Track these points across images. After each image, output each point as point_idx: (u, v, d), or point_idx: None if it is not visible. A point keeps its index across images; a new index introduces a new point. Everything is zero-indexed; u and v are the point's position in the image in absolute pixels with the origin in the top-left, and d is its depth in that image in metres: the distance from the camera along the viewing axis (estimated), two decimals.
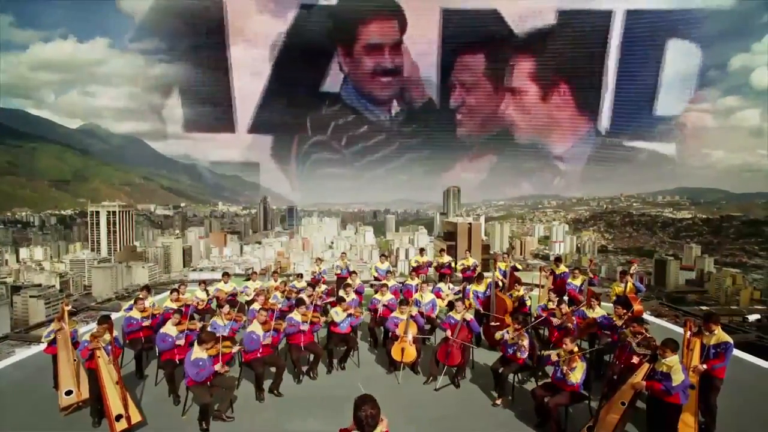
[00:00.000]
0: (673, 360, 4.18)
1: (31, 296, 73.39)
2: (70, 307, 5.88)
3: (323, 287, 8.35)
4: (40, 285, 78.53)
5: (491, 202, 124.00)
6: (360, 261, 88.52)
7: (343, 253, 11.01)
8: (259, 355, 5.59)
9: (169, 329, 5.59)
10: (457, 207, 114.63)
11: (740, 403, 5.33)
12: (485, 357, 6.59)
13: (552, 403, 4.65)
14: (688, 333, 4.94)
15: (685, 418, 4.49)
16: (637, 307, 6.77)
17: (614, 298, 7.45)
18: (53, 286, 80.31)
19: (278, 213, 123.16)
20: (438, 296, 7.72)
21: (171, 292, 7.15)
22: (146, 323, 6.24)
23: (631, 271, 7.28)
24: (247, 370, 5.80)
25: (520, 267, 9.67)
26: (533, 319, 7.12)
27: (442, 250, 11.14)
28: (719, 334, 4.76)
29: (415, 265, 9.77)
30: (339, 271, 9.78)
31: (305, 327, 6.06)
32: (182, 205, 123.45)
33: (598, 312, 6.37)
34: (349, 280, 8.31)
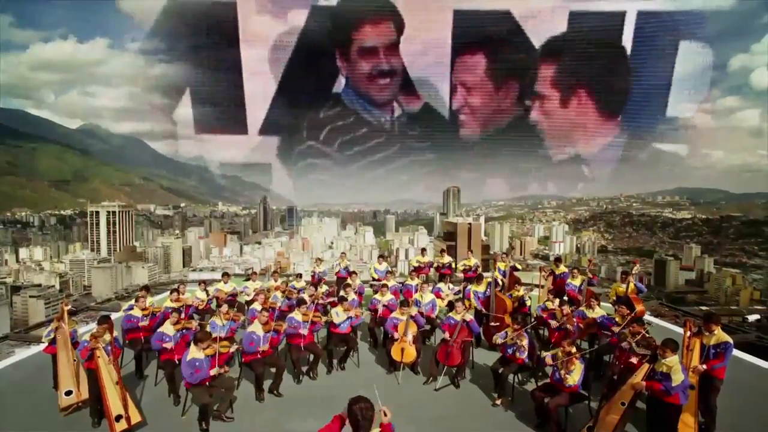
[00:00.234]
0: (672, 360, 4.18)
1: (30, 296, 73.36)
2: (69, 307, 5.88)
3: (325, 288, 8.34)
4: (39, 285, 78.53)
5: (491, 202, 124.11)
6: (360, 261, 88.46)
7: (342, 253, 11.00)
8: (258, 356, 5.59)
9: (167, 329, 5.59)
10: (457, 207, 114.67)
11: (740, 403, 5.32)
12: (485, 357, 6.59)
13: (552, 404, 4.65)
14: (688, 333, 4.94)
15: (684, 419, 4.49)
16: (639, 307, 6.77)
17: (614, 298, 7.46)
18: (53, 286, 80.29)
19: (278, 213, 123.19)
20: (438, 296, 7.71)
21: (171, 293, 7.14)
22: (145, 323, 6.23)
23: (633, 272, 7.28)
24: (246, 370, 5.80)
25: (519, 267, 9.66)
26: (533, 320, 7.13)
27: (442, 250, 11.12)
28: (719, 335, 4.75)
29: (416, 265, 9.76)
30: (339, 272, 9.78)
31: (305, 331, 6.06)
32: (182, 205, 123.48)
33: (597, 312, 6.37)
34: (349, 281, 8.29)
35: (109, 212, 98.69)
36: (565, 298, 7.73)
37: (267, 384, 5.71)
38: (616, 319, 5.97)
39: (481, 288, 7.63)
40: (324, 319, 6.55)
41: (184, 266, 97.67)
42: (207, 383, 4.89)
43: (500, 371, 5.46)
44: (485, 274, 8.51)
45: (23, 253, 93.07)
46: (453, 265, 10.08)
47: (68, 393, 5.29)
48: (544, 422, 4.85)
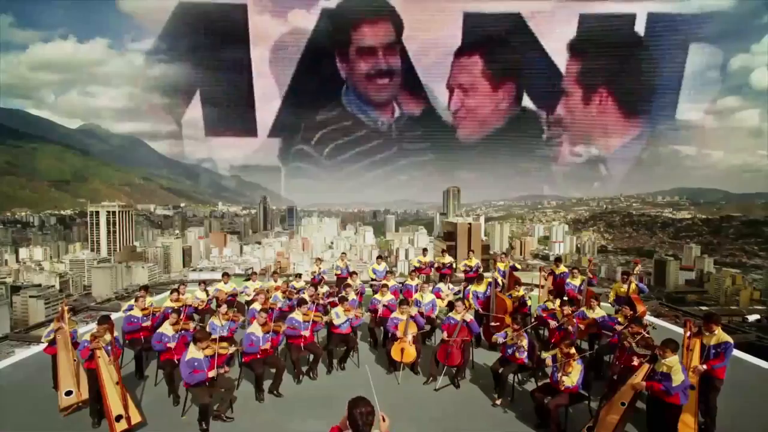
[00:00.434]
0: (673, 360, 4.18)
1: (30, 296, 73.38)
2: (69, 307, 5.88)
3: (325, 288, 8.34)
4: (39, 285, 78.56)
5: (491, 202, 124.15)
6: (360, 261, 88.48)
7: (343, 253, 11.00)
8: (258, 356, 5.59)
9: (166, 329, 5.59)
10: (457, 207, 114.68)
11: (740, 403, 5.32)
12: (485, 357, 6.59)
13: (552, 404, 4.65)
14: (688, 333, 4.94)
15: (684, 419, 4.48)
16: (641, 307, 6.77)
17: (613, 298, 7.45)
18: (53, 286, 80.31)
19: (278, 213, 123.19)
20: (438, 296, 7.71)
21: (171, 293, 7.15)
22: (146, 323, 6.24)
23: (634, 272, 7.28)
24: (246, 370, 5.80)
25: (519, 267, 9.65)
26: (533, 320, 7.13)
27: (443, 250, 11.10)
28: (719, 334, 4.75)
29: (417, 265, 9.75)
30: (339, 272, 9.78)
31: (306, 332, 6.06)
32: (182, 205, 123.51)
33: (598, 312, 6.36)
34: (349, 281, 8.30)
35: (109, 212, 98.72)
36: (565, 298, 7.72)
37: (267, 384, 5.71)
38: (619, 320, 5.96)
39: (481, 288, 7.63)
40: (324, 319, 6.55)
41: (184, 266, 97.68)
42: (207, 383, 4.89)
43: (500, 371, 5.46)
44: (485, 275, 8.50)
45: (23, 253, 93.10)
46: (454, 266, 10.07)
47: (68, 393, 5.29)
48: (544, 422, 4.84)
